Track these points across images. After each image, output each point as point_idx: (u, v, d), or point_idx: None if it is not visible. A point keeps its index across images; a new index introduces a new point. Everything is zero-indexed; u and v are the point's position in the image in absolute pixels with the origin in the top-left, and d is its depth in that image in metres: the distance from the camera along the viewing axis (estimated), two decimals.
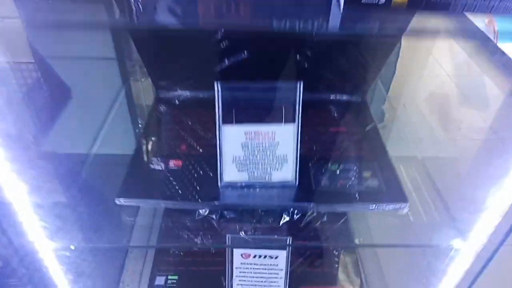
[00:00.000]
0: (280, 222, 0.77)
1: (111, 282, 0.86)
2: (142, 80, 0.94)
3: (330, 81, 0.76)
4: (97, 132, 0.80)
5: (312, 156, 0.68)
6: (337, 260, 0.91)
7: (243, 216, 0.75)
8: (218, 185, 0.61)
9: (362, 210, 0.60)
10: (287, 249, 0.77)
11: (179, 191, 0.61)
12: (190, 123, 0.74)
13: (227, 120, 0.58)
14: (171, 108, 0.79)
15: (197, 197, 0.60)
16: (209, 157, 0.67)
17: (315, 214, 0.91)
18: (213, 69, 0.72)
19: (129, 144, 0.72)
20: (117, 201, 0.59)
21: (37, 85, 0.78)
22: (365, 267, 0.91)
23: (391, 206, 0.60)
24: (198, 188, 0.61)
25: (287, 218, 0.84)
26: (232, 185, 0.62)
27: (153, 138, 0.72)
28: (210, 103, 0.58)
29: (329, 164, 0.66)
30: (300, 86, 0.56)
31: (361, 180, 0.63)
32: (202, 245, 0.69)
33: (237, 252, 0.78)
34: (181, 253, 0.91)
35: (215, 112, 0.58)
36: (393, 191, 0.62)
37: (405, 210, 0.60)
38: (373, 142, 0.71)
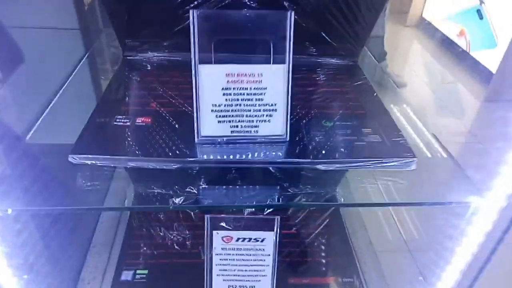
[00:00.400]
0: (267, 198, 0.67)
1: (68, 280, 0.73)
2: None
3: (319, 41, 0.69)
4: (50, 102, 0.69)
5: (303, 114, 0.59)
6: (330, 248, 0.82)
7: (224, 194, 0.65)
8: (194, 141, 0.52)
9: (365, 166, 0.51)
10: (275, 230, 0.67)
11: (147, 147, 0.50)
12: (161, 84, 0.64)
13: (204, 58, 0.48)
14: (140, 70, 0.69)
15: (168, 154, 0.50)
16: (184, 114, 0.57)
17: (303, 200, 0.82)
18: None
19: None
20: (70, 159, 0.48)
21: None
22: (360, 256, 0.82)
23: (397, 161, 0.51)
24: (169, 144, 0.51)
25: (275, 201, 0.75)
26: (211, 141, 0.52)
27: (118, 97, 0.61)
28: (185, 66, 0.49)
29: (323, 121, 0.58)
30: (291, 18, 0.48)
31: (361, 136, 0.55)
32: (178, 207, 0.57)
33: (217, 235, 0.67)
34: (152, 245, 0.79)
35: (191, 74, 0.49)
36: (398, 147, 0.53)
37: (413, 166, 0.51)
38: (370, 101, 0.64)
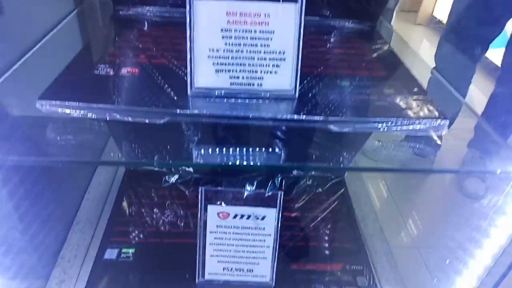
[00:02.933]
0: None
1: (46, 257, 0.66)
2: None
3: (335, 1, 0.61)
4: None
5: (317, 73, 0.51)
6: (338, 232, 0.74)
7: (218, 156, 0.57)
8: (187, 93, 0.44)
9: (388, 129, 0.43)
10: (278, 207, 0.59)
11: (130, 98, 0.43)
12: (153, 38, 0.57)
13: None
14: (131, 24, 0.61)
15: (155, 105, 0.42)
16: (177, 67, 0.49)
17: (307, 178, 0.75)
18: None
19: None
20: (38, 105, 0.41)
21: None
22: (371, 244, 0.74)
23: (427, 123, 0.43)
24: (158, 95, 0.43)
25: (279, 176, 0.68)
26: (207, 93, 0.44)
27: (103, 48, 0.54)
28: (182, 24, 0.41)
29: (339, 80, 0.50)
30: None
31: (382, 96, 0.47)
32: (164, 164, 0.50)
33: (212, 210, 0.59)
34: (141, 223, 0.71)
35: (185, 30, 0.41)
36: (426, 108, 0.45)
37: (445, 130, 0.44)
38: (392, 64, 0.56)
